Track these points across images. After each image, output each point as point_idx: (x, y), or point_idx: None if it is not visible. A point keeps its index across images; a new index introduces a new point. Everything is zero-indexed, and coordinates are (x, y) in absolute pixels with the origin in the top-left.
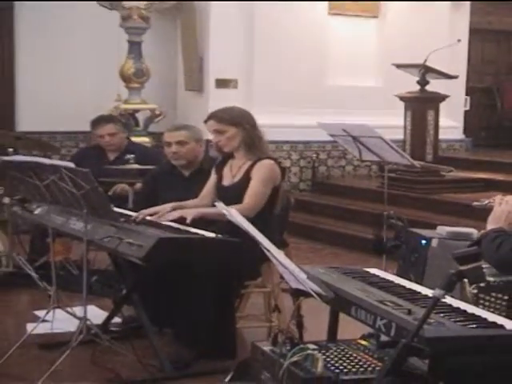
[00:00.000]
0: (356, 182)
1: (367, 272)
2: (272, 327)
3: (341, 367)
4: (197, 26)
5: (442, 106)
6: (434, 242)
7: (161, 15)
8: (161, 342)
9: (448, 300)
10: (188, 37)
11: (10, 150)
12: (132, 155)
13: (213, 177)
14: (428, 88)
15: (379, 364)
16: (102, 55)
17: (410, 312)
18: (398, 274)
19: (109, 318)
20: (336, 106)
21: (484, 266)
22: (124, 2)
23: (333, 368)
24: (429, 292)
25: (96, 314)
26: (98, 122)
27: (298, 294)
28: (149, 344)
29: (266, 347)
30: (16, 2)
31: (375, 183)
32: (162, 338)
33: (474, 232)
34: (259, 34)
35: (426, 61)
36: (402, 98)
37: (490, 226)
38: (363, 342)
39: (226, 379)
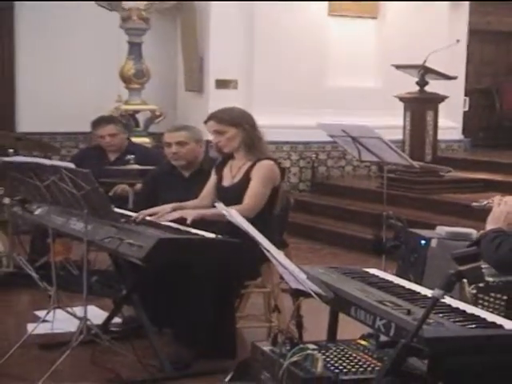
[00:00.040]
0: (355, 183)
1: (367, 272)
2: (272, 327)
3: (340, 367)
4: (197, 26)
5: (441, 106)
6: (434, 243)
7: (161, 16)
8: (161, 342)
9: (447, 300)
10: (188, 37)
11: (11, 150)
12: (132, 156)
13: (213, 177)
14: (427, 89)
15: (379, 364)
16: (102, 56)
17: (409, 312)
18: (398, 274)
19: (109, 319)
20: (335, 106)
21: (483, 266)
22: (123, 3)
23: (332, 368)
24: (428, 292)
25: (96, 314)
26: (99, 122)
27: (297, 294)
28: (149, 344)
29: (266, 347)
30: (16, 2)
31: (374, 183)
32: (162, 338)
33: (473, 232)
34: (259, 35)
35: (425, 62)
36: (401, 99)
37: (489, 226)
38: (363, 342)
39: (226, 379)
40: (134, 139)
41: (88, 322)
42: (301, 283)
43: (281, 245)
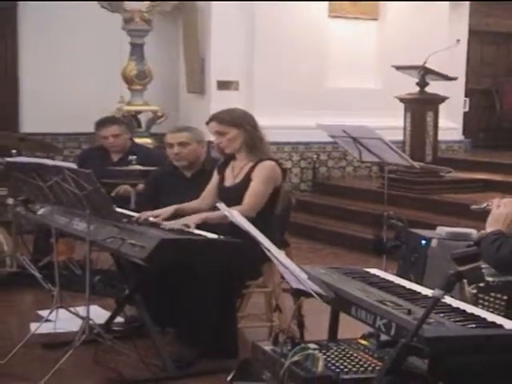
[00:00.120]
0: (356, 183)
1: (367, 272)
2: (273, 327)
3: (341, 367)
4: (198, 27)
5: (442, 107)
6: (434, 243)
7: (163, 17)
8: (163, 341)
9: (447, 300)
10: (190, 38)
11: (14, 151)
12: (134, 156)
13: (215, 178)
14: (427, 89)
15: (379, 363)
16: (104, 57)
17: (409, 312)
18: (398, 274)
19: (111, 318)
20: (336, 107)
21: (483, 266)
22: (126, 4)
23: (333, 367)
24: (428, 292)
25: (99, 314)
26: (103, 123)
27: (298, 293)
28: (151, 343)
29: (267, 347)
30: (20, 2)
31: (375, 184)
32: (165, 337)
33: (473, 232)
34: (260, 35)
35: (425, 62)
36: (401, 100)
37: (489, 228)
38: (363, 342)
39: (228, 378)
40: (136, 140)
41: (91, 322)
42: (302, 283)
43: (282, 245)
